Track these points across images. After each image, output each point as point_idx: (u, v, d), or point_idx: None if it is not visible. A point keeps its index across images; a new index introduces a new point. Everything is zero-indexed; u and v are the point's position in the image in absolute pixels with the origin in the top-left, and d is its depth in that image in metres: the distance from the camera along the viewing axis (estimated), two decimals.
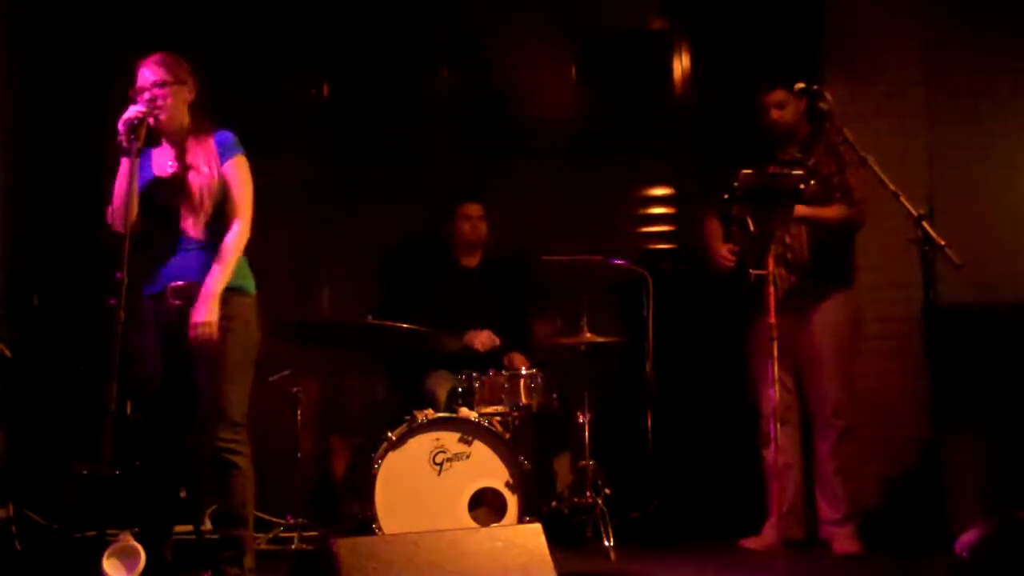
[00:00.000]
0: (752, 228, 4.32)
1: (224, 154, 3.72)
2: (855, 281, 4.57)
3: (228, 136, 3.76)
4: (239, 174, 3.73)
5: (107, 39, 5.14)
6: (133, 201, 3.57)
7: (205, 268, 3.66)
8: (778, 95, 4.51)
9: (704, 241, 4.73)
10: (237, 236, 3.68)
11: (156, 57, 3.73)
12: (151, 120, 3.62)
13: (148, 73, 3.70)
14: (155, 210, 3.68)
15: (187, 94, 3.74)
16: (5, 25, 5.09)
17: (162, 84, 3.69)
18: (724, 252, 4.58)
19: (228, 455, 3.63)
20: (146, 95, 3.64)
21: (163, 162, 3.73)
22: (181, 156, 3.71)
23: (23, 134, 5.13)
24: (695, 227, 4.89)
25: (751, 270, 4.24)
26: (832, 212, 4.46)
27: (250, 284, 3.77)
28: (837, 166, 4.44)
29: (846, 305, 4.53)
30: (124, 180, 3.60)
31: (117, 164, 3.67)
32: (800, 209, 4.30)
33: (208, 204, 3.67)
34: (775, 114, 4.54)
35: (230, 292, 3.66)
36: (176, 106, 3.71)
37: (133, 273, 3.57)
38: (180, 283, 3.67)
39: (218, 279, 3.62)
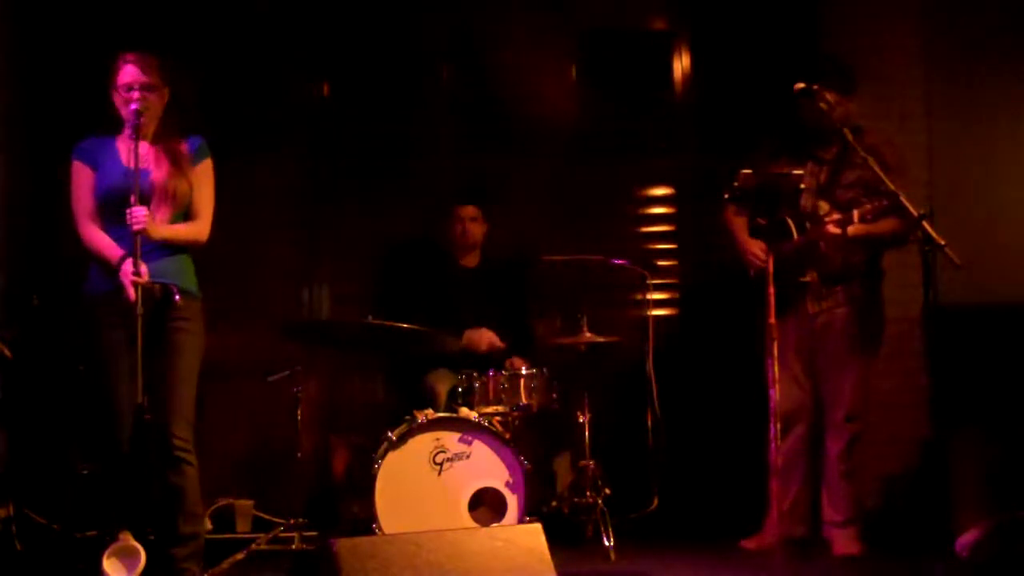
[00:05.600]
0: (796, 236, 4.30)
1: (195, 158, 3.84)
2: (880, 286, 4.55)
3: (199, 140, 3.88)
4: (206, 178, 3.86)
5: (107, 38, 5.13)
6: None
7: (166, 269, 3.73)
8: (829, 95, 4.33)
9: (731, 236, 4.65)
10: (197, 227, 3.82)
11: (142, 57, 3.77)
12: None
13: (135, 71, 3.74)
14: (120, 206, 3.67)
15: (166, 96, 3.81)
16: (5, 25, 5.08)
17: (151, 87, 3.76)
18: (757, 251, 4.49)
19: (184, 453, 3.70)
20: (135, 95, 3.70)
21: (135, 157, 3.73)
22: (155, 155, 3.78)
23: (23, 134, 5.13)
24: (699, 225, 4.84)
25: (798, 279, 4.25)
26: (886, 227, 4.28)
27: (197, 289, 3.86)
28: (883, 171, 4.31)
29: (872, 310, 4.49)
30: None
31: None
32: (853, 230, 4.20)
33: (178, 206, 3.78)
34: (824, 108, 4.37)
35: (186, 295, 3.76)
36: (158, 108, 3.79)
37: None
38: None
39: (170, 229, 3.74)
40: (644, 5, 5.78)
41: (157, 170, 3.75)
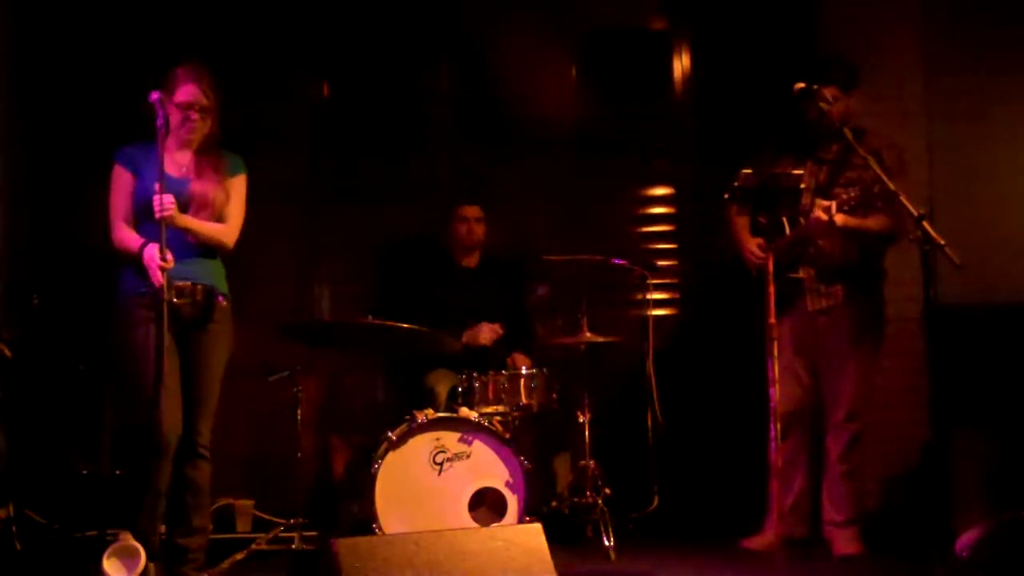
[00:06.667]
0: (788, 232, 4.30)
1: (232, 170, 3.95)
2: (882, 285, 4.54)
3: (238, 158, 3.99)
4: (239, 190, 3.96)
5: (107, 38, 5.14)
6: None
7: (204, 271, 3.83)
8: (830, 91, 4.31)
9: (732, 235, 4.64)
10: (224, 228, 3.90)
11: (202, 76, 3.84)
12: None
13: (196, 92, 3.81)
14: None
15: (217, 114, 3.90)
16: (5, 25, 5.08)
17: (208, 110, 3.84)
18: (755, 248, 4.48)
19: (203, 450, 3.83)
20: (192, 115, 3.79)
21: (178, 166, 3.84)
22: (197, 165, 3.86)
23: (23, 134, 5.13)
24: (716, 217, 4.81)
25: (788, 275, 4.23)
26: (873, 223, 4.32)
27: (228, 293, 3.94)
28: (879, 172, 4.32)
29: (873, 309, 4.48)
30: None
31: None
32: (841, 219, 4.24)
33: (215, 213, 3.86)
34: (824, 108, 4.39)
35: (225, 297, 3.89)
36: (208, 126, 3.87)
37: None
38: (182, 283, 3.73)
39: (196, 221, 3.80)
40: (644, 5, 5.77)
41: (198, 179, 3.84)
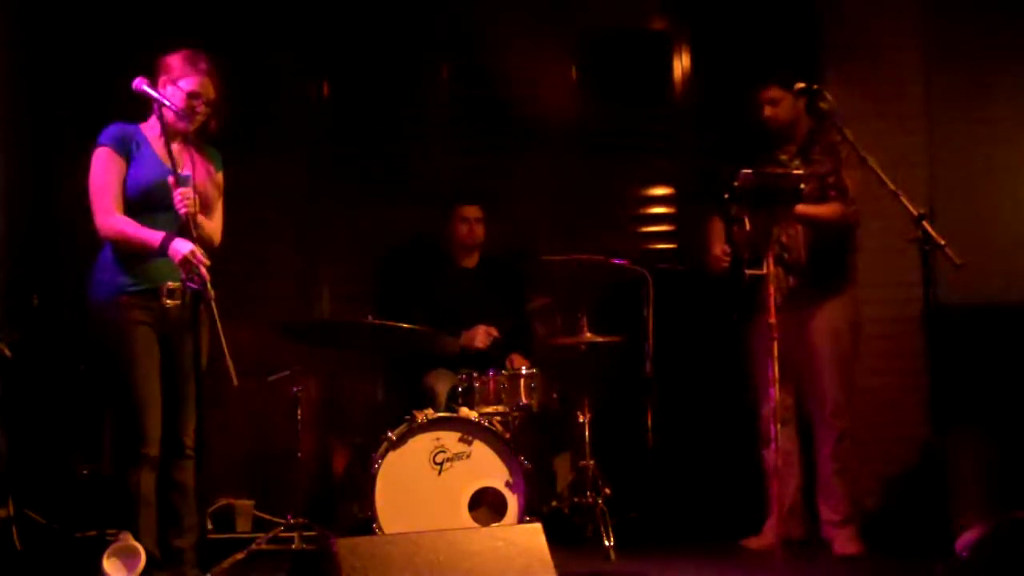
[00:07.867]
0: (748, 227, 4.31)
1: (217, 165, 3.91)
2: (854, 281, 4.56)
3: (215, 151, 3.93)
4: (222, 187, 3.92)
5: (108, 37, 5.14)
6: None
7: None
8: (772, 92, 4.50)
9: (704, 241, 4.71)
10: (216, 226, 3.87)
11: (213, 70, 3.78)
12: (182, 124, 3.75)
13: (207, 85, 3.76)
14: (154, 206, 3.68)
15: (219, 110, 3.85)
16: (5, 24, 5.08)
17: (212, 104, 3.79)
18: (718, 252, 4.54)
19: (190, 451, 3.77)
20: (199, 107, 3.74)
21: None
22: (190, 158, 3.76)
23: (23, 134, 5.13)
24: (697, 226, 4.86)
25: (747, 271, 4.24)
26: (826, 211, 4.42)
27: None
28: (833, 165, 4.42)
29: (845, 306, 4.51)
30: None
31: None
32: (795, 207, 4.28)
33: (209, 210, 3.81)
34: (768, 111, 4.52)
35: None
36: (205, 117, 3.81)
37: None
38: (173, 284, 3.69)
39: (201, 218, 3.70)
40: (644, 5, 5.77)
41: (195, 175, 3.72)
